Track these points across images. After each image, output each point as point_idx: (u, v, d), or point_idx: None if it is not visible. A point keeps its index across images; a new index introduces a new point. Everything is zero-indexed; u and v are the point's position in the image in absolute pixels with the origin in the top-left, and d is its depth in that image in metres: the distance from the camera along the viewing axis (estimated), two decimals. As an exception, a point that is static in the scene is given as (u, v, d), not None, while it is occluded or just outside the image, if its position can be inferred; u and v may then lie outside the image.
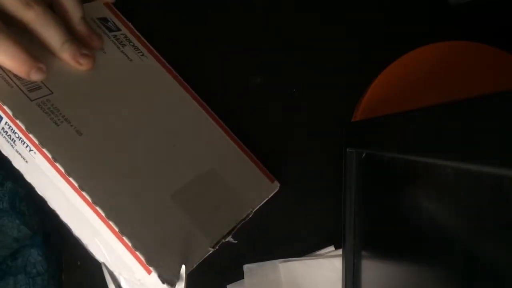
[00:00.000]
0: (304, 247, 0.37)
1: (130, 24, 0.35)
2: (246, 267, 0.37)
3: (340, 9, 0.38)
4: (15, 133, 0.24)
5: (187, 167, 0.30)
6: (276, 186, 0.34)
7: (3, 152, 0.26)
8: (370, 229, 0.30)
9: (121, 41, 0.33)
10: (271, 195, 0.34)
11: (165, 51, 0.38)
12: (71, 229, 0.27)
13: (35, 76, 0.25)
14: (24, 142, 0.24)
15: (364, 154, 0.30)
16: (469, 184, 0.16)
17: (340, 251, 0.35)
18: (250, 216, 0.31)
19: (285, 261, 0.36)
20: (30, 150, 0.24)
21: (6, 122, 0.24)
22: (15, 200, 0.34)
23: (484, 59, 0.32)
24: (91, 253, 0.27)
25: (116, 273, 0.26)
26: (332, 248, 0.36)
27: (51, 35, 0.26)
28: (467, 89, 0.32)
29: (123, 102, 0.30)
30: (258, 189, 0.33)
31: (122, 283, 0.26)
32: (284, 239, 0.37)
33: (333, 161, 0.36)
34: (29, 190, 0.32)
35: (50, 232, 0.36)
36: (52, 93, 0.26)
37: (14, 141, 0.25)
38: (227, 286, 0.37)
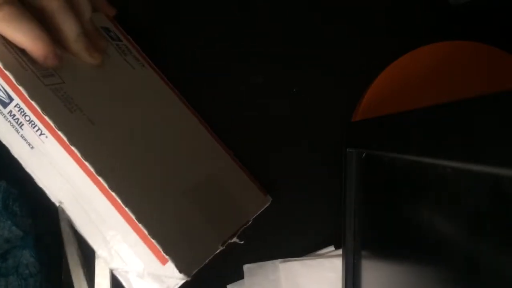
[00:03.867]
0: (304, 247, 0.37)
1: (130, 38, 0.35)
2: (246, 267, 0.37)
3: (340, 9, 0.38)
4: (26, 115, 0.24)
5: (189, 173, 0.30)
6: (268, 200, 0.35)
7: (1, 139, 0.25)
8: (370, 229, 0.30)
9: (123, 50, 0.33)
10: (264, 208, 0.34)
11: (163, 51, 0.38)
12: (73, 223, 0.26)
13: (52, 62, 0.26)
14: (35, 126, 0.24)
15: (364, 154, 0.30)
16: (469, 184, 0.16)
17: (340, 251, 0.35)
18: (249, 223, 0.32)
19: (285, 261, 0.36)
20: (41, 134, 0.24)
21: (17, 104, 0.24)
22: (8, 200, 0.34)
23: (484, 59, 0.32)
24: (92, 247, 0.26)
25: (117, 271, 0.26)
26: (332, 248, 0.36)
27: (69, 25, 0.27)
28: (467, 89, 0.32)
29: (128, 104, 0.30)
30: (253, 201, 0.33)
31: (123, 280, 0.26)
32: (284, 239, 0.37)
33: (333, 161, 0.36)
34: (22, 190, 0.31)
35: (44, 233, 0.36)
36: (64, 82, 0.26)
37: (22, 125, 0.24)
38: (227, 286, 0.37)
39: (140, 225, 0.23)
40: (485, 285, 0.15)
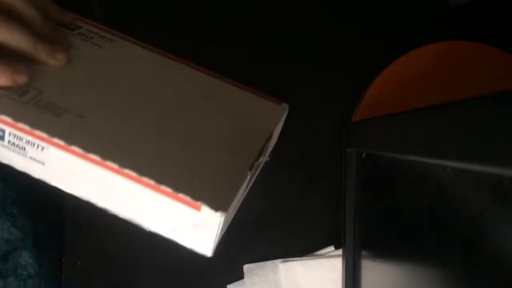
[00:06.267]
0: (304, 247, 0.37)
1: (88, 20, 0.35)
2: (246, 267, 0.37)
3: (340, 9, 0.38)
4: (21, 139, 0.25)
5: (193, 116, 0.30)
6: (285, 108, 0.33)
7: (19, 168, 0.26)
8: (370, 229, 0.30)
9: (87, 35, 0.34)
10: (284, 116, 0.33)
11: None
12: (118, 214, 0.26)
13: (21, 80, 0.26)
14: (33, 143, 0.25)
15: (364, 154, 0.30)
16: (469, 184, 0.16)
17: (340, 251, 0.35)
18: (271, 138, 0.31)
19: (285, 261, 0.36)
20: (42, 149, 0.24)
21: (10, 133, 0.25)
22: (5, 202, 0.34)
23: (484, 59, 0.32)
24: (142, 225, 0.26)
25: (166, 233, 0.26)
26: (332, 248, 0.36)
27: (22, 39, 0.26)
28: (467, 89, 0.32)
29: (111, 83, 0.30)
30: (269, 113, 0.33)
31: (177, 240, 0.26)
32: (284, 238, 0.37)
33: (333, 161, 0.36)
34: (21, 193, 0.31)
35: (43, 235, 0.36)
36: (42, 92, 0.27)
37: (24, 148, 0.25)
38: (227, 286, 0.37)
39: (162, 186, 0.24)
40: (484, 285, 0.15)
